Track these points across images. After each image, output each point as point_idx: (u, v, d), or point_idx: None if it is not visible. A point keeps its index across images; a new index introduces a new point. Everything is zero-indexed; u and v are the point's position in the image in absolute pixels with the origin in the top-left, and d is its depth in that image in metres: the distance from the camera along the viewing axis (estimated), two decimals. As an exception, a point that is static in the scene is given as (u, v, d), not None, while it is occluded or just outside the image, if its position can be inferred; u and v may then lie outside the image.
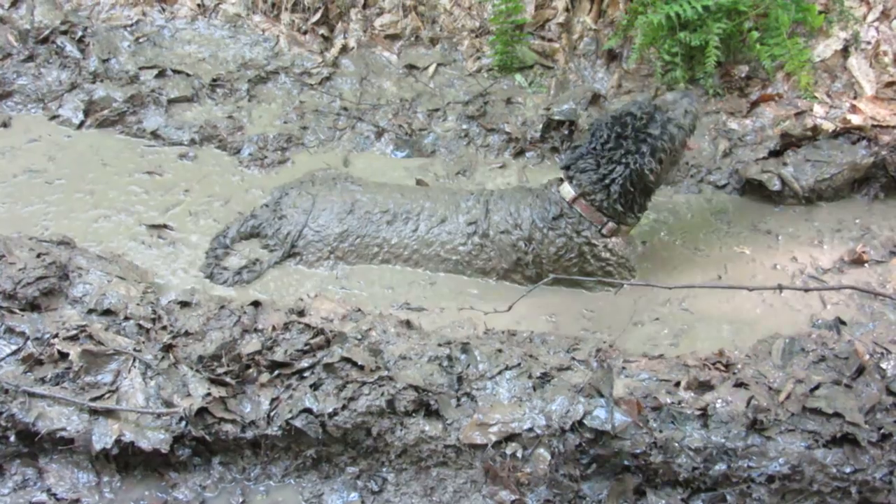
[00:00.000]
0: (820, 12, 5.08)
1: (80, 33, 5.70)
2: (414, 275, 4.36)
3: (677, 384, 3.33)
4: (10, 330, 3.49)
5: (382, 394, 3.29)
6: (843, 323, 3.85)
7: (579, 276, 4.21)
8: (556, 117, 5.20)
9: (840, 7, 5.08)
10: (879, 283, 4.15)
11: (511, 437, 3.21)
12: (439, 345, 3.55)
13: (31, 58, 5.63)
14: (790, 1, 5.03)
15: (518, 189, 4.55)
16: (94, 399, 3.29)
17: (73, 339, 3.47)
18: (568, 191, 4.22)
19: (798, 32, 5.14)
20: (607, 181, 4.11)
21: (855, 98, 4.96)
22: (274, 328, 3.57)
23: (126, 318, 3.66)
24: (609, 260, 4.23)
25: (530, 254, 4.25)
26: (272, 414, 3.30)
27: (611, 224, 4.18)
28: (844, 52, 5.12)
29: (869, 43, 5.06)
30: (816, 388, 3.25)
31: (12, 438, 3.26)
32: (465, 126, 5.36)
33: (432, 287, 4.29)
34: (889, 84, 4.97)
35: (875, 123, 4.71)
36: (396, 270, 4.37)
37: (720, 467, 3.12)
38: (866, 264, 4.25)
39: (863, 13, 5.13)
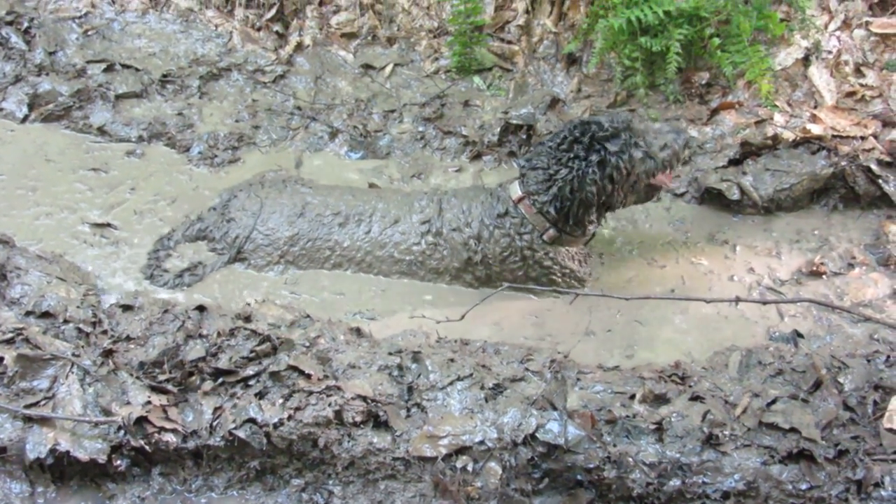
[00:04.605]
0: (781, 20, 5.06)
1: (25, 24, 5.59)
2: (366, 281, 4.27)
3: (632, 397, 3.29)
4: (-60, 332, 3.39)
5: (330, 404, 3.22)
6: (801, 336, 3.84)
7: (531, 286, 4.17)
8: (514, 121, 5.16)
9: (801, 15, 5.06)
10: (837, 295, 4.14)
11: (462, 450, 3.15)
12: (390, 353, 3.50)
13: (-27, 49, 5.51)
14: (752, 8, 5.01)
15: (473, 187, 4.52)
16: (28, 406, 3.20)
17: (9, 342, 3.38)
18: (516, 189, 4.16)
19: (759, 40, 5.12)
20: (551, 182, 4.03)
21: (815, 107, 4.95)
22: (219, 334, 3.50)
23: (65, 322, 3.58)
24: (552, 268, 4.18)
25: (479, 253, 4.18)
26: (215, 423, 3.22)
27: (552, 231, 4.10)
28: (805, 60, 5.11)
29: (830, 52, 5.05)
30: (773, 402, 3.22)
31: (-60, 446, 3.16)
32: (421, 128, 5.30)
33: (384, 294, 4.20)
34: (849, 94, 4.96)
35: (835, 133, 4.70)
36: (347, 276, 4.27)
37: (675, 483, 3.07)
38: (824, 276, 4.24)
39: (824, 22, 5.12)
